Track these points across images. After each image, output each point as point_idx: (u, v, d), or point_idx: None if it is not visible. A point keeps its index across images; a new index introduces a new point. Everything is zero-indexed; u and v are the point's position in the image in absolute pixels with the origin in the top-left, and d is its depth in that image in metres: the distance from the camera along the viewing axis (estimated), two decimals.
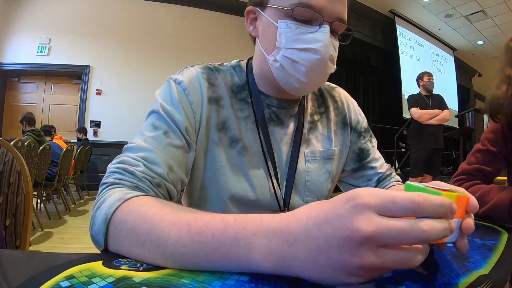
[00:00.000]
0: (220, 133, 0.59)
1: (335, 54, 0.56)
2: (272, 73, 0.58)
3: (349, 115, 0.72)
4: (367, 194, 0.27)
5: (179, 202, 0.58)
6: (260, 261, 0.31)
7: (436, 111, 3.33)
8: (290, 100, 0.64)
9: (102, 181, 0.48)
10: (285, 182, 0.62)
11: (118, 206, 0.41)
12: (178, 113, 0.55)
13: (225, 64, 0.66)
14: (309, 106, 0.69)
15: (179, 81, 0.58)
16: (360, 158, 0.72)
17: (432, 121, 3.31)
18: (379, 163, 0.73)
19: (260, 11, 0.58)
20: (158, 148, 0.51)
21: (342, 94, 0.74)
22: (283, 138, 0.63)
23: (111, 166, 0.50)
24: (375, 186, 0.71)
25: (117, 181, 0.46)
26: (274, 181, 0.60)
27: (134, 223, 0.38)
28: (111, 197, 0.43)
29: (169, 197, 0.52)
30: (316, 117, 0.69)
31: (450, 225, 0.28)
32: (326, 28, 0.53)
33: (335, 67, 0.58)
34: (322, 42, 0.53)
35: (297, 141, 0.63)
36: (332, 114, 0.70)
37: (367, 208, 0.27)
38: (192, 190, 0.63)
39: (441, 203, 0.28)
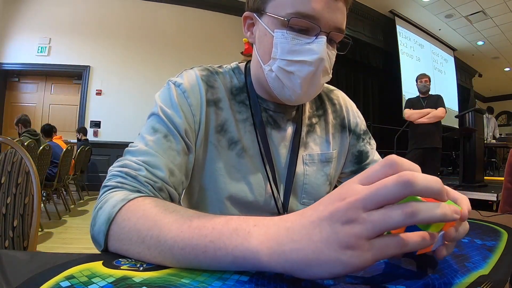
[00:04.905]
0: (218, 135, 0.59)
1: (330, 65, 0.56)
2: (267, 82, 0.58)
3: (347, 117, 0.72)
4: (352, 178, 0.31)
5: (178, 204, 0.58)
6: (257, 249, 0.31)
7: (427, 110, 3.38)
8: (286, 105, 0.63)
9: (103, 184, 0.48)
10: (283, 185, 0.62)
11: (122, 206, 0.41)
12: (178, 115, 0.55)
13: (224, 66, 0.66)
14: (307, 108, 0.68)
15: (178, 84, 0.58)
16: (359, 160, 0.72)
17: (423, 120, 3.37)
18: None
19: (258, 17, 0.57)
20: (159, 152, 0.51)
21: (340, 96, 0.74)
22: (281, 141, 0.63)
23: (112, 169, 0.49)
24: None
25: (119, 184, 0.47)
26: (272, 184, 0.60)
27: (137, 221, 0.39)
28: (113, 198, 0.43)
29: (171, 200, 0.52)
30: (314, 120, 0.68)
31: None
32: (323, 39, 0.52)
33: (331, 76, 0.58)
34: (318, 54, 0.52)
35: (296, 144, 0.63)
36: (330, 117, 0.70)
37: (351, 182, 0.30)
38: (191, 192, 0.63)
39: (412, 163, 0.29)
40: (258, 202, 0.60)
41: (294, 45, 0.53)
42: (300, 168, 0.64)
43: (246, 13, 0.60)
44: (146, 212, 0.39)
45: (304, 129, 0.66)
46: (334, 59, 0.57)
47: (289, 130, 0.64)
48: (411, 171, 0.27)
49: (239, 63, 0.68)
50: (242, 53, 2.46)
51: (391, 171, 0.28)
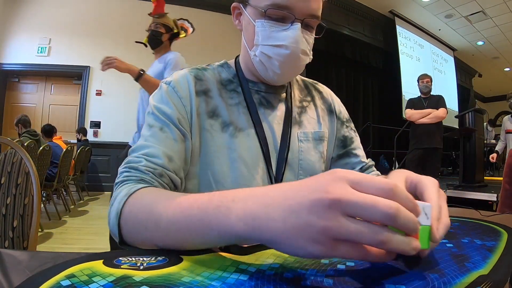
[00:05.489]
0: (211, 120, 0.63)
1: (307, 47, 0.62)
2: (254, 65, 0.65)
3: (333, 104, 0.78)
4: (347, 170, 0.31)
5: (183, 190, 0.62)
6: (236, 224, 0.33)
7: (428, 110, 3.37)
8: (276, 86, 0.69)
9: (115, 182, 0.54)
10: (277, 159, 0.66)
11: (125, 200, 0.46)
12: (169, 107, 0.60)
13: (211, 64, 0.72)
14: (296, 94, 0.74)
15: (168, 82, 0.64)
16: (344, 144, 0.76)
17: (424, 120, 3.36)
18: (362, 153, 0.78)
19: (243, 8, 0.64)
20: (156, 143, 0.57)
21: (325, 88, 0.81)
22: (274, 119, 0.68)
23: (120, 168, 0.55)
24: None
25: (125, 178, 0.52)
26: (266, 158, 0.64)
27: (138, 212, 0.44)
28: (120, 194, 0.48)
29: (173, 185, 0.57)
30: (304, 103, 0.74)
31: (416, 225, 0.30)
32: (297, 25, 0.58)
33: (311, 57, 0.64)
34: (293, 39, 0.59)
35: (288, 120, 0.68)
36: (318, 102, 0.77)
37: (343, 178, 0.29)
38: (191, 178, 0.64)
39: (409, 196, 0.30)
40: (254, 178, 0.63)
41: (272, 32, 0.59)
42: (295, 144, 0.68)
43: (234, 4, 0.66)
44: (143, 202, 0.45)
45: (296, 110, 0.71)
46: (312, 42, 0.63)
47: (282, 108, 0.70)
48: (398, 206, 0.28)
49: (227, 61, 0.73)
50: (150, 14, 2.13)
51: (384, 194, 0.29)
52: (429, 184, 0.40)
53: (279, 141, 0.66)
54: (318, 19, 0.61)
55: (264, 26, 0.59)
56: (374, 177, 0.30)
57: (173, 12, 6.24)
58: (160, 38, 1.91)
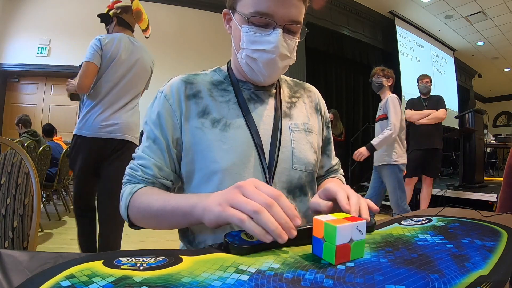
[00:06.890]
0: (202, 119, 0.68)
1: (288, 51, 0.66)
2: (241, 67, 0.70)
3: (319, 104, 0.83)
4: (257, 180, 0.48)
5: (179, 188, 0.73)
6: (190, 205, 0.52)
7: (428, 111, 3.36)
8: (265, 84, 0.73)
9: (123, 180, 0.69)
10: (270, 148, 0.68)
11: (131, 197, 0.63)
12: (159, 115, 0.68)
13: (205, 70, 0.77)
14: (286, 91, 0.79)
15: (161, 91, 0.71)
16: (324, 143, 0.82)
17: (424, 121, 3.35)
18: (333, 156, 0.86)
19: (232, 14, 0.68)
20: (150, 155, 0.67)
21: (312, 87, 0.86)
22: (264, 111, 0.72)
23: (126, 170, 0.69)
24: (324, 175, 0.84)
25: (127, 181, 0.68)
26: (259, 149, 0.67)
27: (139, 206, 0.62)
28: (125, 191, 0.65)
29: (165, 188, 0.68)
30: (293, 99, 0.79)
31: (275, 230, 0.41)
32: (278, 30, 0.63)
33: (294, 59, 0.68)
34: (274, 44, 0.63)
35: (278, 112, 0.72)
36: (306, 100, 0.81)
37: (252, 182, 0.47)
38: (190, 176, 0.69)
39: (289, 206, 0.44)
40: (246, 167, 0.66)
41: (256, 37, 0.64)
42: (287, 135, 0.71)
43: (224, 10, 0.71)
44: (143, 199, 0.62)
45: (285, 104, 0.76)
46: (294, 45, 0.67)
47: (271, 102, 0.74)
48: (261, 208, 0.43)
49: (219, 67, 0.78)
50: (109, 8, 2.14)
51: (273, 198, 0.45)
52: (337, 188, 0.55)
53: (270, 132, 0.69)
54: (300, 24, 0.65)
55: (249, 31, 0.64)
56: (269, 186, 0.47)
57: (173, 12, 6.19)
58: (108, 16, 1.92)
